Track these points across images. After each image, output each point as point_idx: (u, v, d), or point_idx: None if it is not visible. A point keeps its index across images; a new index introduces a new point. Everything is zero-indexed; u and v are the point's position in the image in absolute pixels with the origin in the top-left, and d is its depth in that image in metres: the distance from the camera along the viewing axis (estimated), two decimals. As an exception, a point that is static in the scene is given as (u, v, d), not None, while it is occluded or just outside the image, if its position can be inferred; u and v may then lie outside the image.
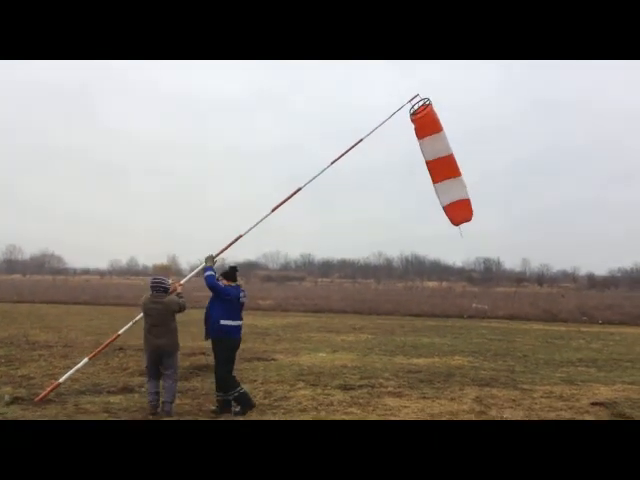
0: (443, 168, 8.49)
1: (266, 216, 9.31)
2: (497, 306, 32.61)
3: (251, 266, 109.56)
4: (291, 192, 9.40)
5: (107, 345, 9.74)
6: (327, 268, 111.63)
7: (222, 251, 9.11)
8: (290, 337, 18.94)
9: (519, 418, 8.24)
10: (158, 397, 8.48)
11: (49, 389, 9.02)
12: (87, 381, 10.58)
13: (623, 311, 29.74)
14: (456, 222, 8.79)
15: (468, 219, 8.79)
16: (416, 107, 8.57)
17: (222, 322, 8.51)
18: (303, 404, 9.14)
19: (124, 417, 8.12)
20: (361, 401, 9.36)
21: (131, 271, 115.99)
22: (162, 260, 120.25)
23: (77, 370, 9.39)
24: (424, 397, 9.73)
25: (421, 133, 8.49)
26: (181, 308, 8.54)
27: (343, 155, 8.92)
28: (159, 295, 8.57)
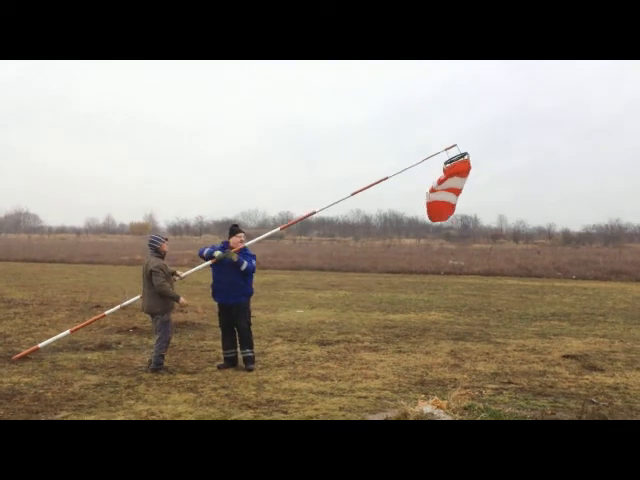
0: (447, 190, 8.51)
1: (273, 232, 9.72)
2: (473, 262, 32.95)
3: (229, 224, 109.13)
4: (305, 214, 9.64)
5: (91, 322, 9.68)
6: (305, 226, 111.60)
7: (235, 249, 8.88)
8: (268, 294, 19.01)
9: (492, 371, 8.42)
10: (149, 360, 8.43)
11: (28, 351, 8.98)
12: (64, 339, 10.53)
13: (597, 267, 30.22)
14: (434, 219, 8.93)
15: (443, 219, 8.95)
16: (454, 158, 8.47)
17: (252, 287, 8.83)
18: (280, 359, 9.23)
19: (101, 373, 8.14)
20: (338, 356, 9.48)
21: (108, 229, 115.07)
22: (139, 218, 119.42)
23: (57, 339, 9.33)
24: (400, 351, 9.87)
25: (446, 175, 8.47)
26: (154, 279, 8.18)
27: (365, 189, 8.99)
28: (150, 255, 8.45)
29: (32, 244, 61.41)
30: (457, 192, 8.50)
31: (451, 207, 8.50)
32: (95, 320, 9.62)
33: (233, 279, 8.55)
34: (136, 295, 9.15)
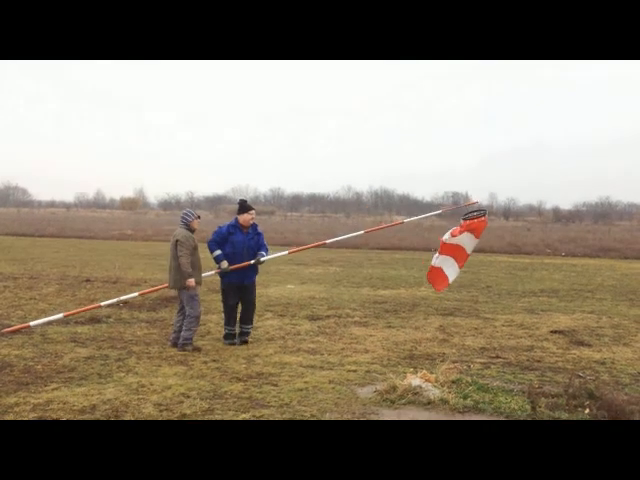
0: (455, 252, 8.46)
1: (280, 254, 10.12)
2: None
3: (219, 200, 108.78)
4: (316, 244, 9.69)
5: (86, 310, 9.60)
6: (296, 202, 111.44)
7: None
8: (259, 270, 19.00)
9: (480, 345, 8.50)
10: (178, 332, 8.25)
11: (18, 327, 8.94)
12: (54, 312, 10.51)
13: (586, 244, 30.41)
14: (430, 282, 8.87)
15: (437, 289, 8.92)
16: (473, 214, 8.46)
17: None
18: (271, 333, 9.28)
19: (91, 346, 8.16)
20: (328, 331, 9.53)
21: (98, 204, 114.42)
22: (129, 194, 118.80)
23: (50, 321, 9.27)
24: (389, 326, 9.94)
25: (462, 229, 8.42)
26: (178, 249, 8.06)
27: (380, 229, 9.04)
28: (179, 227, 8.31)
29: (22, 218, 61.01)
30: (463, 256, 8.51)
31: (446, 281, 8.53)
32: (90, 309, 9.56)
33: (250, 260, 8.58)
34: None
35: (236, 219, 8.66)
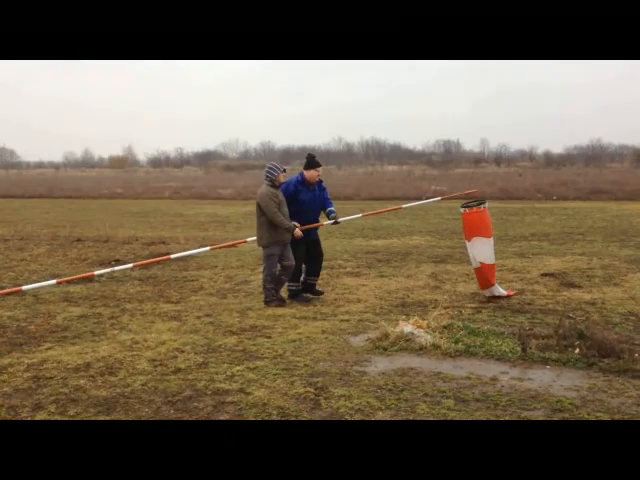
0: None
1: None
2: (456, 187, 32.94)
3: (209, 156, 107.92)
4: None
5: (80, 278, 9.45)
6: (287, 156, 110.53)
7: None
8: (251, 224, 18.93)
9: (472, 291, 8.54)
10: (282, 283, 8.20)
11: (10, 290, 8.88)
12: (46, 272, 10.53)
13: (577, 187, 30.40)
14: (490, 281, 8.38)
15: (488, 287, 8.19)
16: (471, 205, 8.17)
17: None
18: (264, 287, 9.28)
19: (84, 305, 8.17)
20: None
21: (86, 163, 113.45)
22: (117, 151, 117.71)
23: (42, 286, 9.16)
24: (382, 275, 9.97)
25: (469, 233, 8.14)
26: (266, 209, 7.78)
27: (378, 213, 8.67)
28: (264, 184, 7.99)
29: (10, 179, 60.47)
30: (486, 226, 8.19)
31: (493, 268, 8.13)
32: (84, 277, 9.45)
33: (317, 217, 8.50)
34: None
35: (302, 174, 8.27)
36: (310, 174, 8.22)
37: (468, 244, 8.19)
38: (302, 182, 8.24)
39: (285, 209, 7.94)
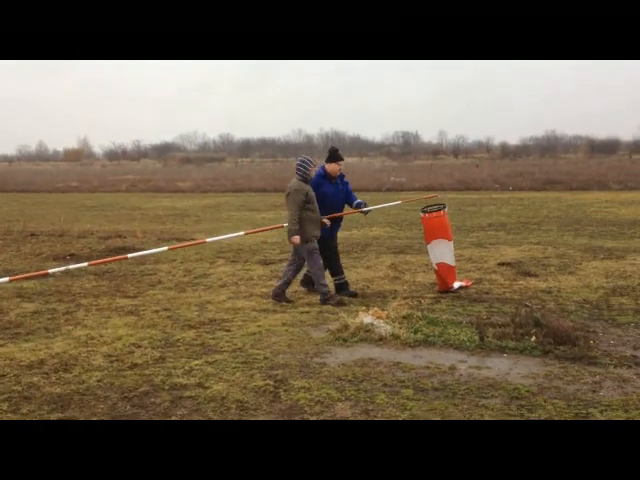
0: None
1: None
2: (414, 179, 33.24)
3: (168, 148, 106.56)
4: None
5: (33, 276, 9.14)
6: (247, 148, 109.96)
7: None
8: (210, 217, 18.83)
9: (431, 281, 8.61)
10: (283, 282, 7.83)
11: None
12: (-2, 270, 10.24)
13: (533, 177, 30.96)
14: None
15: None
16: (431, 208, 8.13)
17: None
18: (223, 280, 9.21)
19: (38, 301, 7.97)
20: (280, 274, 9.49)
21: (41, 157, 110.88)
22: (72, 144, 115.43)
23: None
24: (342, 267, 9.96)
25: (429, 236, 8.11)
26: (289, 202, 7.53)
27: (342, 215, 8.34)
28: (295, 178, 7.71)
29: (-40, 175, 58.70)
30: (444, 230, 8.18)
31: (453, 269, 8.18)
32: (38, 275, 9.17)
33: (341, 211, 8.32)
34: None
35: (323, 168, 8.09)
36: (332, 167, 8.07)
37: (428, 246, 8.20)
38: (324, 175, 8.08)
39: (316, 205, 7.68)
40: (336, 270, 8.19)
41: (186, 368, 5.31)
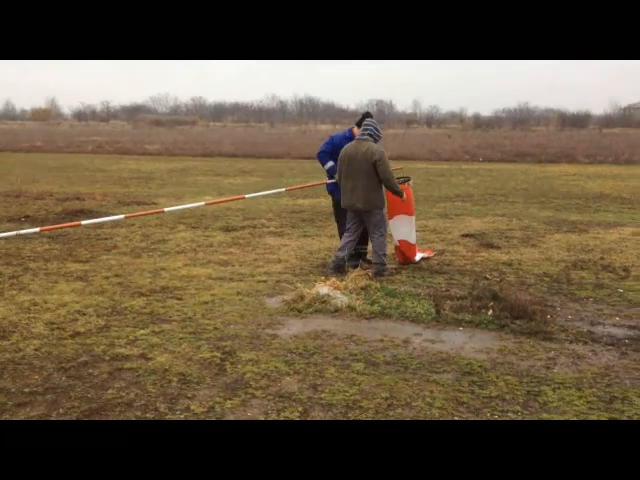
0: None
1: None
2: (386, 147, 32.91)
3: (138, 110, 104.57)
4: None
5: None
6: (219, 112, 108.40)
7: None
8: (175, 181, 18.43)
9: (392, 251, 8.45)
10: (342, 254, 7.33)
11: None
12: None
13: (503, 149, 30.95)
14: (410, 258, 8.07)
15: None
16: (398, 181, 7.71)
17: None
18: (182, 246, 8.96)
19: (-17, 265, 7.65)
20: (241, 242, 9.29)
21: (7, 115, 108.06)
22: (40, 104, 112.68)
23: None
24: (305, 235, 9.79)
25: (392, 211, 7.75)
26: (381, 170, 7.06)
27: (300, 188, 7.91)
28: (362, 141, 7.20)
29: None
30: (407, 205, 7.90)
31: (414, 247, 7.97)
32: None
33: None
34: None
35: (350, 131, 7.77)
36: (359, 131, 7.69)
37: (390, 222, 7.98)
38: (350, 138, 7.67)
39: None
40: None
41: (130, 338, 5.10)
